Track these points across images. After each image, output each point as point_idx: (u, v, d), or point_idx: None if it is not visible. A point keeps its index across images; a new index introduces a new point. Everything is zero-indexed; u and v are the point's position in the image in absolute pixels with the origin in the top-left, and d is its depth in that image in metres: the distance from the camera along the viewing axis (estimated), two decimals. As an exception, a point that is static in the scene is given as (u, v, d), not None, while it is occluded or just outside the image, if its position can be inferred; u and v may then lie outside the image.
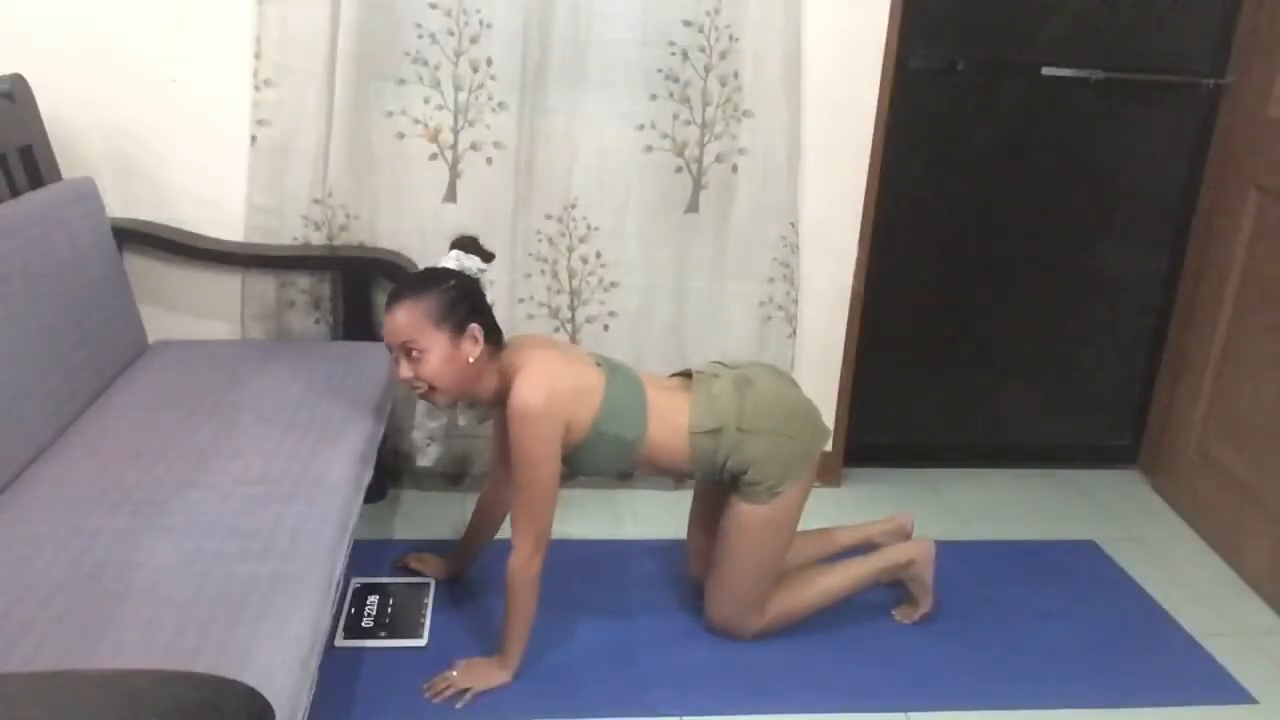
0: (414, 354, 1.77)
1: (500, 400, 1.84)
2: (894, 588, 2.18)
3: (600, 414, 1.84)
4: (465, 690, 1.84)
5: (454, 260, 1.85)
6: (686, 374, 2.01)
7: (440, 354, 1.77)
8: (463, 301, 1.80)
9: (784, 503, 1.93)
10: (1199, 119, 2.65)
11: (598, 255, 2.45)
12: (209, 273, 2.34)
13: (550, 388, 1.78)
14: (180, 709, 0.99)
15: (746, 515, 1.93)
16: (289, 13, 2.18)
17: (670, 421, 1.89)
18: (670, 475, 2.05)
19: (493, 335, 1.84)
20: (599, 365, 1.91)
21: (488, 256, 1.89)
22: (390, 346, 1.81)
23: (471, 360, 1.80)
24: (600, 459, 1.90)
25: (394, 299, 1.79)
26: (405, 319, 1.77)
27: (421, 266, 2.37)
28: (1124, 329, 2.84)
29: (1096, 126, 2.63)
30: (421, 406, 2.45)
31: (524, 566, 1.82)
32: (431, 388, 1.81)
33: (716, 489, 2.02)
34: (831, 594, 2.08)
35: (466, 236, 1.90)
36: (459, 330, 1.78)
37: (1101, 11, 2.54)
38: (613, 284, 2.47)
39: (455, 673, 1.87)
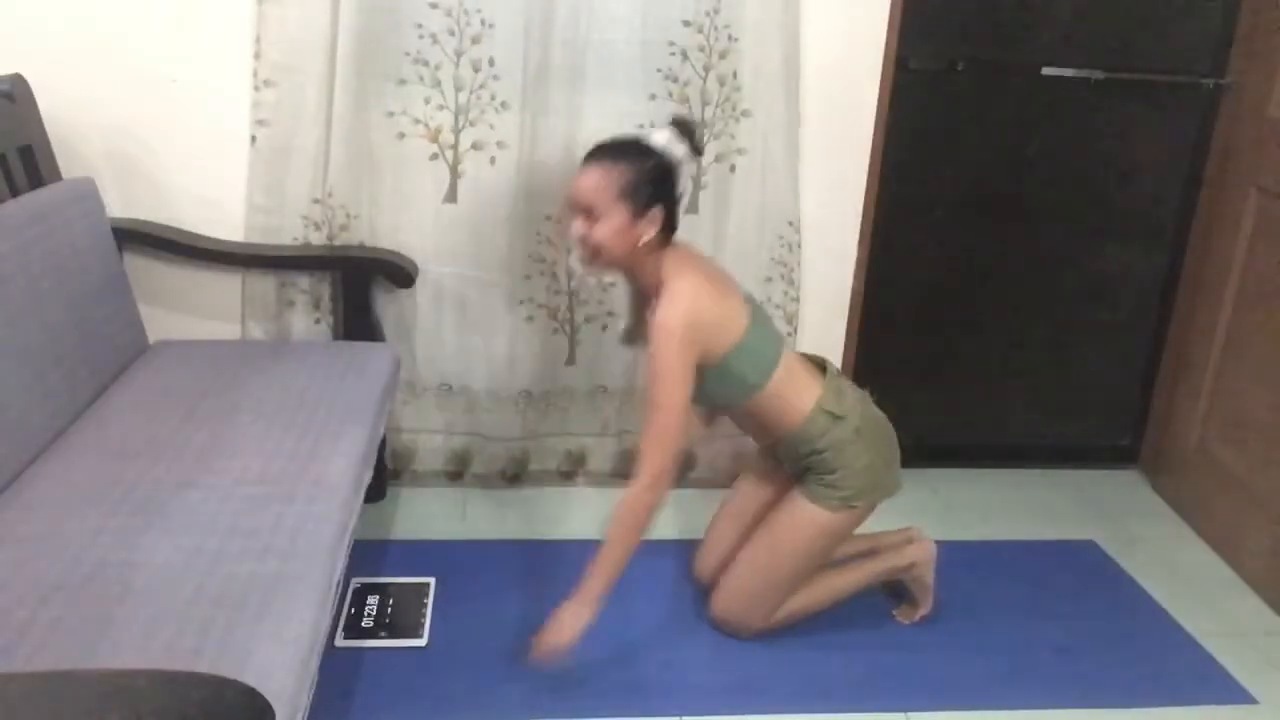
0: (591, 216, 1.78)
1: (647, 292, 1.86)
2: (895, 589, 2.18)
3: (734, 349, 1.84)
4: (560, 649, 1.79)
5: (664, 138, 1.82)
6: (816, 363, 2.02)
7: (615, 225, 1.77)
8: (654, 183, 1.79)
9: (845, 518, 1.95)
10: (1199, 119, 2.65)
11: (598, 255, 2.45)
12: (209, 273, 2.34)
13: (696, 312, 1.79)
14: (180, 709, 0.99)
15: (809, 514, 1.94)
16: (289, 13, 2.18)
17: (796, 386, 1.91)
18: (756, 435, 2.04)
19: (670, 225, 1.83)
20: (747, 303, 1.92)
21: (699, 150, 1.85)
22: (570, 202, 1.81)
23: (642, 242, 1.79)
24: (716, 391, 1.90)
25: (591, 158, 1.80)
26: (594, 182, 1.77)
27: (422, 268, 2.38)
28: (1124, 329, 2.84)
29: (1096, 126, 2.63)
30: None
31: (639, 496, 1.79)
32: (596, 253, 1.81)
33: (770, 486, 2.03)
34: (834, 595, 2.08)
35: (687, 121, 1.87)
36: (641, 209, 1.77)
37: (1101, 11, 2.54)
38: (611, 283, 2.47)
39: (540, 641, 1.80)
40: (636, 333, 2.02)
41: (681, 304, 1.78)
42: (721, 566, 2.07)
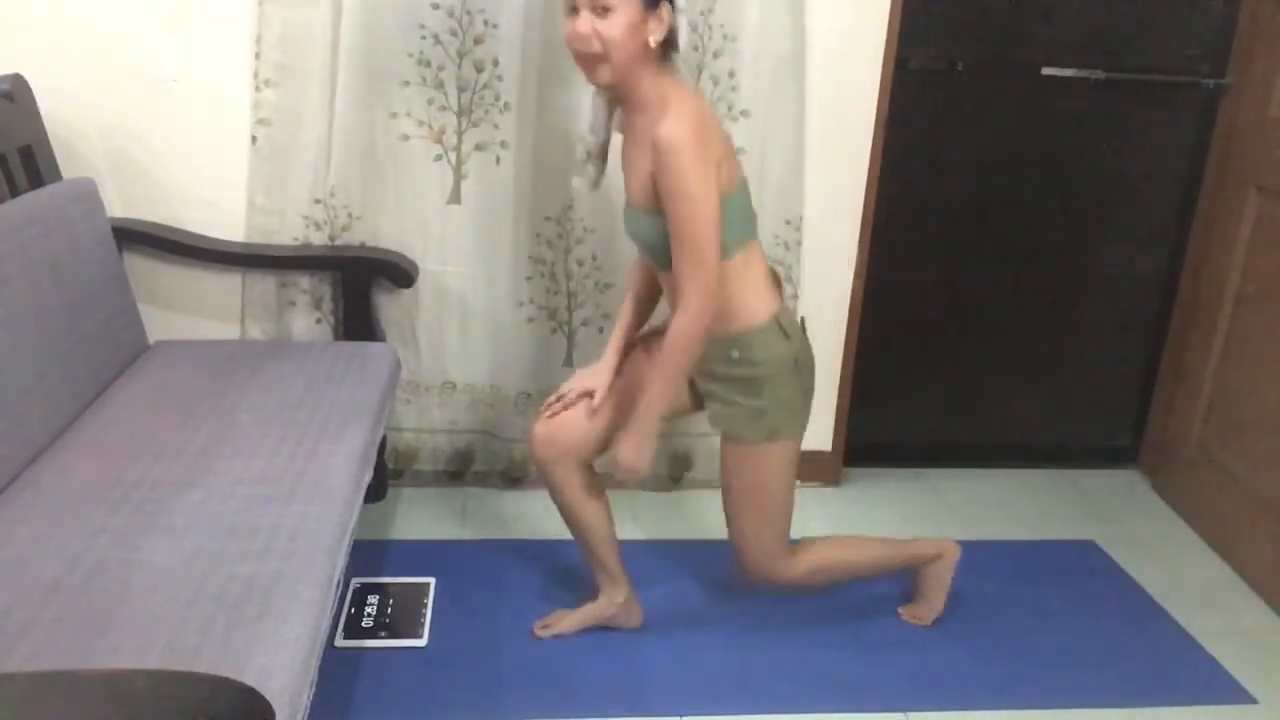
0: (600, 10, 1.67)
1: (639, 110, 1.74)
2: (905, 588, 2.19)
3: (724, 196, 1.70)
4: (639, 472, 1.80)
5: None
6: (772, 274, 1.91)
7: (626, 21, 1.65)
8: None
9: (779, 449, 1.87)
10: (1199, 119, 2.65)
11: (594, 258, 2.44)
12: (209, 273, 2.34)
13: (707, 128, 1.69)
14: (180, 709, 0.99)
15: (742, 454, 1.87)
16: (289, 13, 2.18)
17: (756, 283, 1.80)
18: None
19: (673, 36, 1.73)
20: (738, 157, 1.83)
21: None
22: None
23: (651, 43, 1.68)
24: None
25: None
26: None
27: (426, 268, 2.38)
28: (1124, 329, 2.84)
29: (1096, 126, 2.63)
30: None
31: (692, 323, 1.70)
32: (602, 56, 1.70)
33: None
34: (864, 555, 2.07)
35: None
36: (653, 4, 1.67)
37: (1101, 11, 2.54)
38: (607, 285, 2.47)
39: (619, 466, 1.80)
40: (604, 164, 1.87)
41: (690, 114, 1.66)
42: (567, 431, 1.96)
